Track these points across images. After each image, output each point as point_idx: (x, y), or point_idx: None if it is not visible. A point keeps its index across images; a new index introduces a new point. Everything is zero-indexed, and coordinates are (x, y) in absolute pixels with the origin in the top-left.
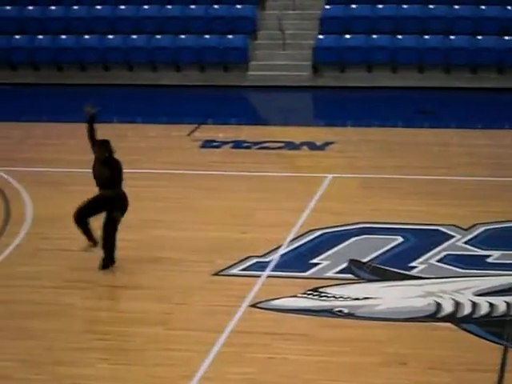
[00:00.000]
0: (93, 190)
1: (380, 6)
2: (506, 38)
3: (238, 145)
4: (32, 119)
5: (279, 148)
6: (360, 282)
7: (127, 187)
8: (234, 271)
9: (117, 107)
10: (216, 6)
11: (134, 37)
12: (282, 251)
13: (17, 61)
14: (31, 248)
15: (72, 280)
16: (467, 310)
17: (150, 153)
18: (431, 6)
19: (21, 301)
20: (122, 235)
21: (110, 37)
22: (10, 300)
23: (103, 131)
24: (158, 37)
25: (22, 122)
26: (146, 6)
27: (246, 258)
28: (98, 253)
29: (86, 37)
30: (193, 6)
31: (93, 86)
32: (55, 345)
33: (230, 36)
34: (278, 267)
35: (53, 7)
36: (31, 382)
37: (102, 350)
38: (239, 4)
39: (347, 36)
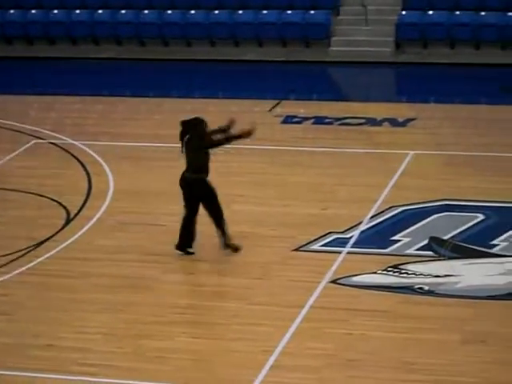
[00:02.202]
0: (175, 165)
1: None
2: None
3: (319, 120)
4: (115, 94)
5: (360, 124)
6: (441, 260)
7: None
8: (315, 247)
9: (199, 82)
10: None
11: (216, 12)
12: (362, 227)
13: (100, 35)
14: (112, 222)
15: (153, 254)
16: None
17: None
18: None
19: (102, 274)
20: (204, 210)
21: (192, 12)
22: (92, 273)
23: (183, 105)
24: (240, 12)
25: (105, 97)
26: None
27: (326, 234)
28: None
29: (169, 12)
30: None
31: (175, 62)
32: (137, 318)
33: (312, 11)
34: (358, 243)
35: None
36: (113, 354)
37: (183, 323)
38: None
39: (430, 12)
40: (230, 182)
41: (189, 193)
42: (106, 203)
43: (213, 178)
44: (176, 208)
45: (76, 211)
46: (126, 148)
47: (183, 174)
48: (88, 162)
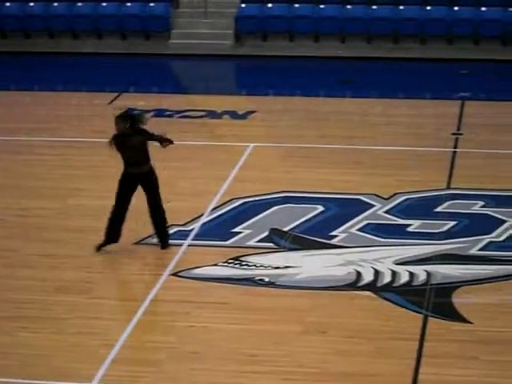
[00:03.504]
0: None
1: None
2: None
3: (159, 113)
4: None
5: (201, 117)
6: (281, 251)
7: (43, 155)
8: (155, 240)
9: (38, 75)
10: None
11: (55, 4)
12: (203, 220)
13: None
14: None
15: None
16: (387, 278)
17: (71, 121)
18: None
19: None
20: (40, 204)
21: (31, 4)
22: None
23: (20, 98)
24: (79, 4)
25: None
26: None
27: (167, 227)
28: (19, 221)
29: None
30: None
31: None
32: None
33: (152, 4)
34: (199, 236)
35: None
36: None
37: (23, 318)
38: None
39: (269, 5)
40: (70, 175)
41: (149, 184)
42: None
43: (50, 171)
44: (10, 201)
45: None
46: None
47: (133, 169)
48: None
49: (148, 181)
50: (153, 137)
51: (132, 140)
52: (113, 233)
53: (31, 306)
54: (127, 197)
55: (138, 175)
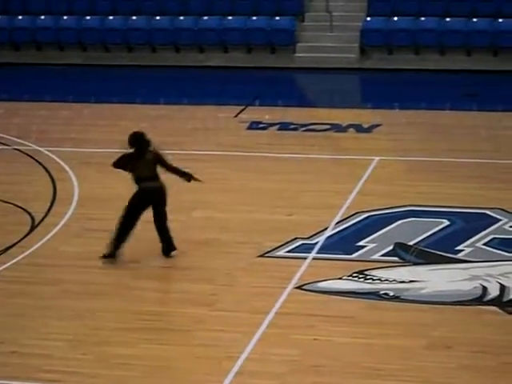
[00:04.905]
0: None
1: None
2: None
3: (284, 126)
4: (80, 100)
5: (325, 130)
6: (406, 265)
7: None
8: (280, 253)
9: (164, 88)
10: None
11: (181, 18)
12: (328, 233)
13: (65, 42)
14: (78, 228)
15: (119, 260)
16: None
17: (197, 134)
18: None
19: (67, 281)
20: (170, 216)
21: (158, 18)
22: (57, 280)
23: (148, 111)
24: (205, 18)
25: (70, 103)
26: None
27: (292, 240)
28: (147, 234)
29: (134, 18)
30: None
31: (139, 68)
32: (101, 325)
33: (278, 17)
34: (323, 249)
35: None
36: (77, 361)
37: (147, 330)
38: None
39: (395, 18)
40: (196, 188)
41: (162, 199)
42: (71, 209)
43: (180, 184)
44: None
45: (41, 217)
46: (91, 154)
47: (150, 184)
48: (53, 168)
49: (161, 196)
50: (168, 165)
51: (145, 156)
52: (117, 246)
53: (155, 318)
54: (138, 213)
55: (153, 190)
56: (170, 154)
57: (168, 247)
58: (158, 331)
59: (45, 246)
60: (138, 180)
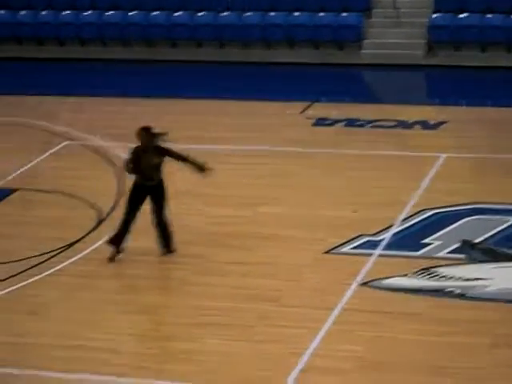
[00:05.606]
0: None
1: None
2: None
3: (350, 123)
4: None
5: (392, 127)
6: (471, 263)
7: (241, 164)
8: (346, 249)
9: (229, 84)
10: None
11: (249, 14)
12: (393, 230)
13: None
14: (144, 223)
15: (183, 255)
16: None
17: (264, 130)
18: None
19: (132, 275)
20: (236, 212)
21: (225, 14)
22: (121, 275)
23: (217, 108)
24: (272, 14)
25: (134, 98)
26: None
27: (357, 237)
28: (211, 228)
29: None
30: None
31: (207, 63)
32: (165, 320)
33: (344, 14)
34: (389, 246)
35: None
36: (142, 355)
37: (212, 325)
38: None
39: (462, 14)
40: (263, 184)
41: (158, 195)
42: None
43: (246, 179)
44: (201, 208)
45: (107, 212)
46: None
47: (155, 178)
48: (118, 163)
49: (159, 191)
50: (181, 158)
51: (151, 158)
52: (119, 240)
53: (220, 313)
54: (138, 206)
55: (150, 186)
56: (237, 150)
57: (166, 243)
58: (223, 327)
59: None
60: (138, 173)
